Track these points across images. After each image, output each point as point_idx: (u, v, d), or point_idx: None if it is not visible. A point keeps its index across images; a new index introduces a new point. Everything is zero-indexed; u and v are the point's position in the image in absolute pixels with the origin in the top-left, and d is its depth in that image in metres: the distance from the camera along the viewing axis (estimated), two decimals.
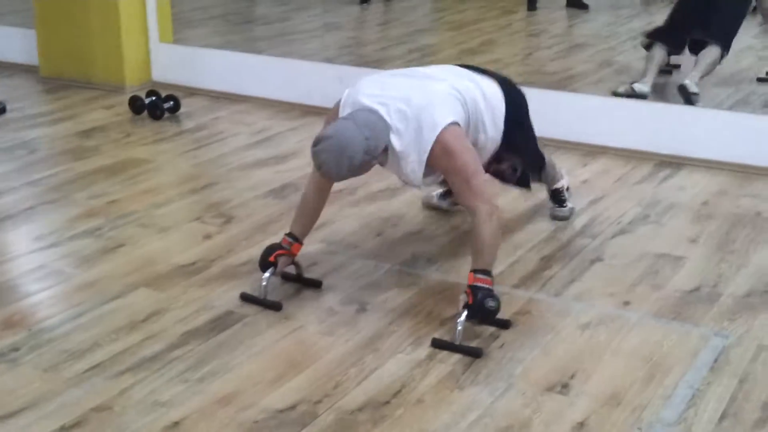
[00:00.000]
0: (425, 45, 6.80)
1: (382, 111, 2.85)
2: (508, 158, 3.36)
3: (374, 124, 2.83)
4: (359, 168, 2.84)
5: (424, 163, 2.87)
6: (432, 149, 2.84)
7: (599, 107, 4.71)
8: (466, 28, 7.16)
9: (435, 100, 2.93)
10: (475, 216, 2.83)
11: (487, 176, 3.19)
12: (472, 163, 2.90)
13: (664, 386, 2.58)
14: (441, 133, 2.84)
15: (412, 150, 2.86)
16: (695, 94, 4.77)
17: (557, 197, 3.71)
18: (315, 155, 2.79)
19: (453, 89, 2.99)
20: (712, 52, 4.91)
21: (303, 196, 3.14)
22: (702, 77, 4.86)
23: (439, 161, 2.87)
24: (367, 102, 2.89)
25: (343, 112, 2.94)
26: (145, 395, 2.52)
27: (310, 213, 3.11)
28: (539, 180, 3.67)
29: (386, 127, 2.84)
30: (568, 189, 3.74)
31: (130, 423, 2.41)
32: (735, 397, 2.54)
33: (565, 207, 3.72)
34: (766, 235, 3.59)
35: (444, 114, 2.89)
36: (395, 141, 2.86)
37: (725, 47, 4.94)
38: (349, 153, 2.75)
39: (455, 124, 2.91)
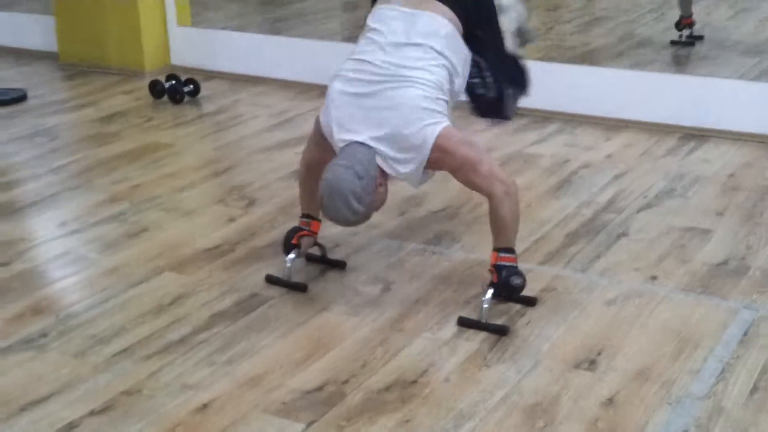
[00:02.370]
0: None
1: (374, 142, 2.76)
2: (477, 75, 3.08)
3: (361, 159, 2.73)
4: (369, 202, 2.73)
5: (421, 170, 2.80)
6: (429, 158, 2.76)
7: (621, 81, 4.67)
8: None
9: (415, 113, 2.76)
10: (492, 199, 2.78)
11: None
12: (473, 151, 2.80)
13: (693, 360, 2.57)
14: (435, 142, 2.74)
15: (409, 160, 2.78)
16: None
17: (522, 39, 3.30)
18: (324, 212, 2.78)
19: (431, 64, 2.82)
20: None
21: (300, 177, 3.11)
22: None
23: (439, 164, 2.80)
24: (349, 137, 2.79)
25: (332, 134, 2.86)
26: (173, 378, 2.53)
27: (314, 190, 3.06)
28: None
29: (373, 161, 2.74)
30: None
31: (159, 406, 2.41)
32: (765, 370, 2.52)
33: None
34: None
35: (429, 122, 2.75)
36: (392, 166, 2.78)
37: None
38: (347, 190, 2.68)
39: (443, 125, 2.77)
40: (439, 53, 2.83)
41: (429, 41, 2.83)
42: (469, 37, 2.94)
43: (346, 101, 2.83)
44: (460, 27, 2.91)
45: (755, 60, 5.16)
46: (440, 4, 2.89)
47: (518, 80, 3.16)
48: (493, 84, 3.07)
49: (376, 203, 2.79)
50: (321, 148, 2.94)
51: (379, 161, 2.76)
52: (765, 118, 4.25)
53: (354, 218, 2.74)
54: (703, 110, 4.37)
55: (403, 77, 2.78)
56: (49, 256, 3.31)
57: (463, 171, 2.81)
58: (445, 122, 2.78)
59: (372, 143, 2.75)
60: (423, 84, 2.78)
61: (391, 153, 2.76)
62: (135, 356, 2.64)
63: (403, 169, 2.78)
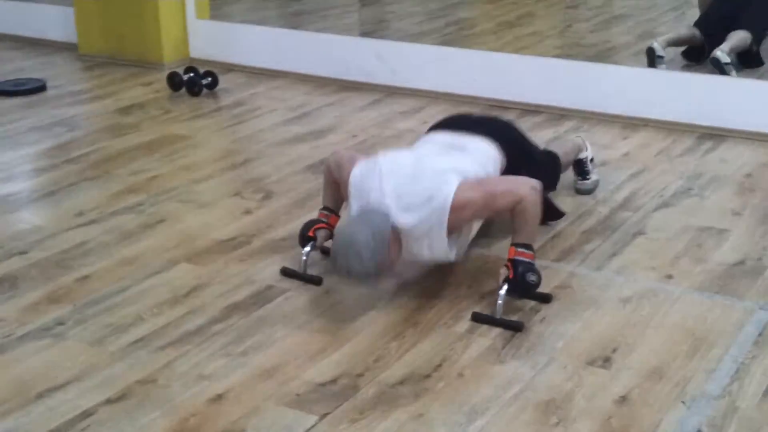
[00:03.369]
0: (462, 18, 6.75)
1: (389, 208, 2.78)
2: None
3: (375, 219, 2.75)
4: (383, 256, 2.72)
5: (444, 233, 2.78)
6: (450, 216, 2.75)
7: (639, 79, 4.66)
8: (504, 1, 7.10)
9: (440, 178, 2.82)
10: (520, 204, 2.79)
11: None
12: (489, 188, 2.83)
13: (708, 360, 2.56)
14: (454, 199, 2.75)
15: (427, 225, 2.77)
16: (727, 64, 4.78)
17: (580, 169, 3.66)
18: (336, 265, 2.75)
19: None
20: (740, 33, 4.96)
21: (325, 171, 3.12)
22: (731, 51, 4.86)
23: (463, 217, 2.81)
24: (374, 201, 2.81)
25: (352, 200, 2.88)
26: (188, 368, 2.55)
27: (333, 186, 3.10)
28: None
29: (387, 222, 2.74)
30: (592, 160, 3.67)
31: (174, 396, 2.43)
32: None
33: (588, 179, 3.66)
34: None
35: (449, 181, 2.79)
36: (403, 219, 2.76)
37: (755, 33, 4.99)
38: (360, 242, 2.67)
39: (460, 179, 2.81)
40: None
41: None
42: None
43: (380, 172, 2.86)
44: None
45: None
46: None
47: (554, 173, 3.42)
48: None
49: (386, 263, 2.76)
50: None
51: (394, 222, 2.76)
52: None
53: (363, 269, 2.69)
54: (720, 110, 4.35)
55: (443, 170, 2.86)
56: (66, 246, 3.33)
57: (489, 206, 2.82)
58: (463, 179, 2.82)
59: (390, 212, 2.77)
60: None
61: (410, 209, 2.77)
62: (151, 346, 2.66)
63: (414, 222, 2.76)
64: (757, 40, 5.03)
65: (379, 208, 2.78)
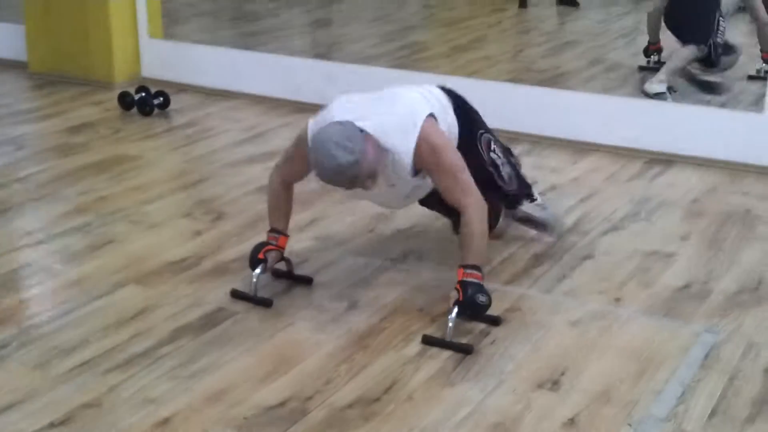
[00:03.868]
0: (415, 42, 6.79)
1: (354, 118, 2.81)
2: None
3: (345, 127, 2.76)
4: (362, 150, 2.70)
5: (411, 156, 2.82)
6: (417, 146, 2.81)
7: (589, 104, 4.70)
8: (457, 24, 7.16)
9: (406, 99, 2.93)
10: (465, 211, 2.82)
11: None
12: (458, 158, 2.89)
13: (655, 382, 2.59)
14: (422, 125, 2.82)
15: (399, 146, 2.82)
16: (658, 93, 4.87)
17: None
18: (318, 168, 2.75)
19: (421, 95, 2.99)
20: (682, 52, 5.09)
21: (270, 192, 3.11)
22: (671, 75, 4.97)
23: (426, 159, 2.84)
24: (338, 118, 2.84)
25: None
26: (134, 392, 2.51)
27: (283, 205, 3.08)
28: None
29: (355, 127, 2.76)
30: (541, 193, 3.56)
31: (119, 420, 2.39)
32: (725, 393, 2.54)
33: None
34: (756, 232, 3.60)
35: (418, 107, 2.89)
36: (381, 138, 2.79)
37: (697, 43, 5.09)
38: (336, 138, 2.69)
39: (431, 116, 2.90)
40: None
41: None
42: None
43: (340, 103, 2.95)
44: None
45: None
46: None
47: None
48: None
49: (367, 158, 2.72)
50: (303, 163, 2.95)
51: (360, 124, 2.78)
52: (729, 145, 4.30)
53: (347, 162, 2.67)
54: (669, 135, 4.42)
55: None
56: (12, 267, 3.28)
57: (447, 175, 2.85)
58: (434, 118, 2.89)
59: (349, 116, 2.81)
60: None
61: (377, 125, 2.80)
62: (97, 369, 2.62)
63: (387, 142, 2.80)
64: (706, 47, 5.09)
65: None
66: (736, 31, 5.28)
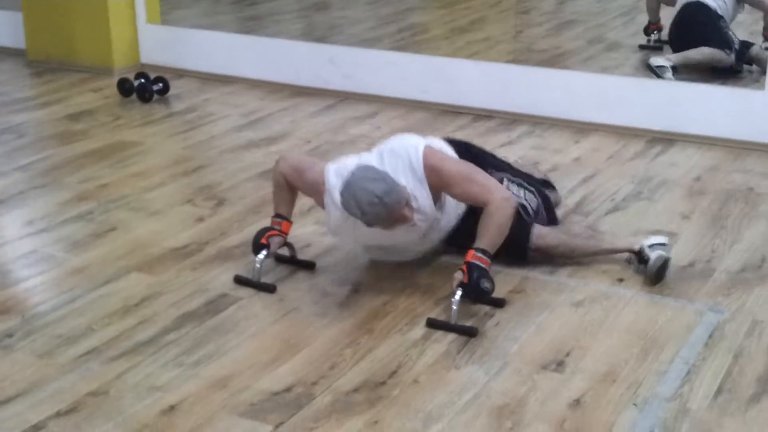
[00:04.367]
0: (415, 23, 6.76)
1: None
2: None
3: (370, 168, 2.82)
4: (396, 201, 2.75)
5: (428, 191, 2.85)
6: (426, 176, 2.83)
7: (590, 84, 4.69)
8: (457, 6, 7.12)
9: (402, 145, 2.93)
10: (489, 204, 2.81)
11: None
12: (463, 166, 2.91)
13: (660, 362, 2.59)
14: (423, 154, 2.85)
15: (414, 185, 2.84)
16: (660, 66, 4.83)
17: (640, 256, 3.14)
18: (359, 214, 2.74)
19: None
20: (704, 50, 5.03)
21: (275, 181, 3.12)
22: (683, 61, 4.94)
23: (435, 181, 2.86)
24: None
25: (334, 188, 2.87)
26: (140, 379, 2.52)
27: (286, 193, 3.10)
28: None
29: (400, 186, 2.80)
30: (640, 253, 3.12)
31: (126, 407, 2.40)
32: (730, 371, 2.55)
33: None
34: (759, 210, 3.60)
35: (413, 140, 2.92)
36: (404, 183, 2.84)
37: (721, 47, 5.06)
38: (368, 176, 2.75)
39: (426, 146, 2.91)
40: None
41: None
42: None
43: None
44: None
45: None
46: None
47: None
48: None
49: (402, 192, 2.76)
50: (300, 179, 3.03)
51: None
52: (731, 123, 4.30)
53: (381, 192, 2.70)
54: (670, 114, 4.41)
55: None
56: (15, 255, 3.28)
57: (460, 183, 2.86)
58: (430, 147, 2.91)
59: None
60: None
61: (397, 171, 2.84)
62: (102, 357, 2.62)
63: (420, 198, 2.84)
64: (731, 53, 5.06)
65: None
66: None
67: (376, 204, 2.70)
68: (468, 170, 2.89)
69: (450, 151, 3.06)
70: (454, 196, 2.92)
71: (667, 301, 2.92)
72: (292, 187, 3.08)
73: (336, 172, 2.88)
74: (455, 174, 2.86)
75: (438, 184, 2.86)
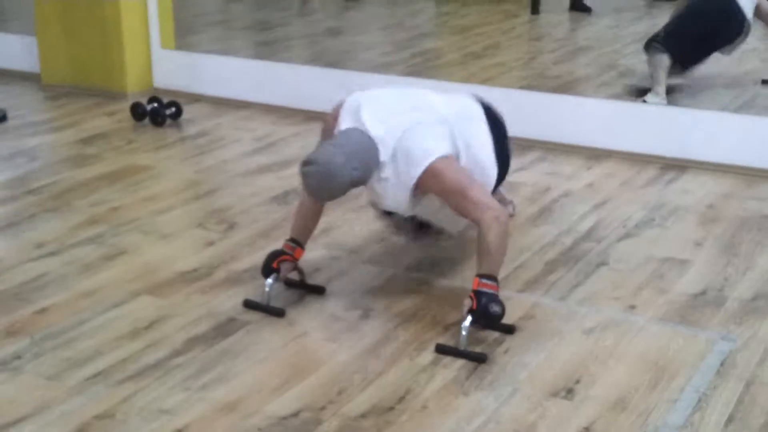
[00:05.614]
0: (428, 49, 6.78)
1: (379, 140, 2.84)
2: None
3: (365, 154, 2.82)
4: (342, 193, 2.86)
5: (409, 190, 2.86)
6: (420, 178, 2.83)
7: (603, 110, 4.69)
8: (470, 32, 7.15)
9: (428, 133, 2.90)
10: (479, 225, 2.80)
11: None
12: (464, 177, 2.88)
13: (670, 390, 2.56)
14: (431, 163, 2.83)
15: (398, 180, 2.85)
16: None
17: None
18: (302, 176, 2.80)
19: (448, 124, 2.97)
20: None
21: (301, 201, 3.12)
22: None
23: (430, 186, 2.85)
24: (368, 124, 2.87)
25: (344, 120, 2.92)
26: (147, 403, 2.51)
27: (309, 217, 3.10)
28: None
29: (376, 160, 2.83)
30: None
31: (132, 431, 2.39)
32: (741, 400, 2.52)
33: None
34: None
35: (435, 147, 2.87)
36: (383, 170, 2.86)
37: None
38: (335, 182, 2.79)
39: (446, 157, 2.88)
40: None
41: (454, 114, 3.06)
42: None
43: (383, 97, 3.01)
44: None
45: (735, 92, 5.20)
46: None
47: None
48: None
49: (348, 188, 2.85)
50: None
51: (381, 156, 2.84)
52: (744, 150, 4.28)
53: (328, 199, 2.88)
54: (683, 141, 4.40)
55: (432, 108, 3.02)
56: (25, 278, 3.28)
57: (454, 194, 2.85)
58: (448, 157, 2.89)
59: (387, 144, 2.85)
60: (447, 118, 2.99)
61: (391, 157, 2.85)
62: (110, 380, 2.61)
63: (388, 173, 2.86)
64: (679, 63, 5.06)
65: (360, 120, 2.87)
66: (751, 34, 5.24)
67: (318, 189, 2.82)
68: (464, 184, 2.84)
69: (479, 116, 3.11)
70: (446, 202, 2.92)
71: (679, 329, 2.90)
72: (317, 209, 3.09)
73: (345, 113, 2.95)
74: (450, 186, 2.84)
75: (428, 189, 2.87)
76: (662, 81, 4.92)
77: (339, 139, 2.87)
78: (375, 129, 2.85)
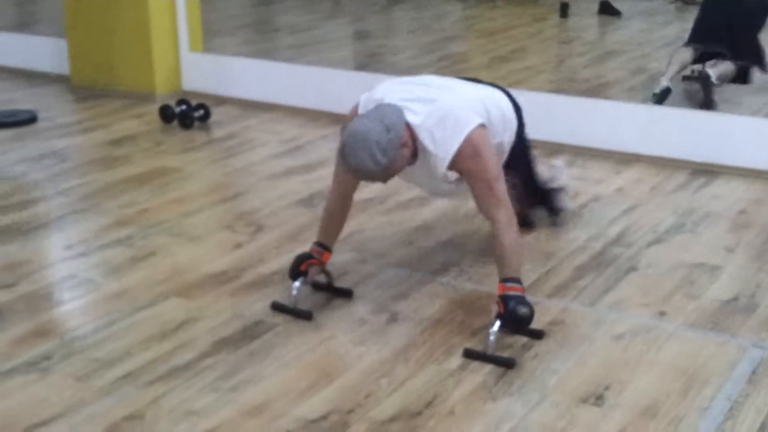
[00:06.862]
0: (456, 53, 6.78)
1: (404, 107, 2.81)
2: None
3: (390, 114, 2.76)
4: (393, 158, 2.72)
5: (448, 161, 2.83)
6: (460, 148, 2.81)
7: (633, 114, 4.66)
8: (497, 35, 7.14)
9: (461, 102, 2.92)
10: (495, 224, 2.80)
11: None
12: (496, 168, 2.88)
13: (701, 398, 2.54)
14: (471, 132, 2.82)
15: (440, 148, 2.82)
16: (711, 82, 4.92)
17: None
18: (345, 161, 2.74)
19: (476, 97, 3.01)
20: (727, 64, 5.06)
21: (327, 205, 3.12)
22: (718, 78, 4.96)
23: (466, 162, 2.84)
24: (388, 101, 2.86)
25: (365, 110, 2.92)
26: (176, 404, 2.51)
27: (336, 220, 3.09)
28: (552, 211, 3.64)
29: (402, 118, 2.78)
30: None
31: None
32: None
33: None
34: None
35: (472, 115, 2.88)
36: (424, 137, 2.81)
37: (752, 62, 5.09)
38: (372, 140, 2.67)
39: (482, 126, 2.89)
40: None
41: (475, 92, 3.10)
42: None
43: (396, 84, 3.03)
44: None
45: (767, 97, 5.15)
46: None
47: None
48: None
49: (398, 163, 2.77)
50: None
51: (409, 118, 2.79)
52: None
53: (375, 169, 2.70)
54: (714, 146, 4.36)
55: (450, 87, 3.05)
56: (54, 279, 3.30)
57: (482, 182, 2.84)
58: (485, 128, 2.91)
59: (402, 103, 2.82)
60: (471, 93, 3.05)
61: (425, 120, 2.81)
62: (139, 381, 2.62)
63: (429, 142, 2.81)
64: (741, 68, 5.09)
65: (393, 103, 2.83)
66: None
67: (356, 171, 2.74)
68: (494, 175, 2.84)
69: (506, 106, 3.18)
70: (471, 188, 2.91)
71: (710, 336, 2.87)
72: (347, 199, 3.06)
73: (366, 102, 2.94)
74: (483, 172, 2.83)
75: (463, 164, 2.84)
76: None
77: (368, 113, 2.84)
78: (403, 102, 2.84)
